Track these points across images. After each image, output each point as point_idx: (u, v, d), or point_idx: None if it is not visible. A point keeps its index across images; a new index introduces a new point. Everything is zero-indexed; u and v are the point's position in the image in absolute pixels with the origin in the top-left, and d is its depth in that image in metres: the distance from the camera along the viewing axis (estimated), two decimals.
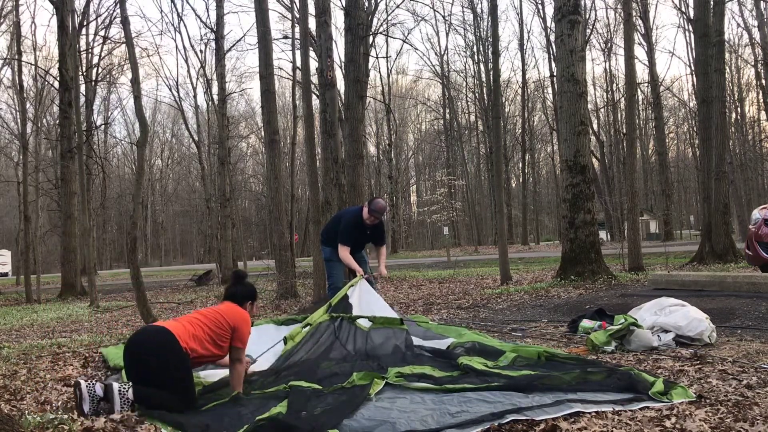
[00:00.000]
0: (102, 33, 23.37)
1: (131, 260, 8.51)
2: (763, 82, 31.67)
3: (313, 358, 4.03)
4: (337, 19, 52.56)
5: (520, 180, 46.12)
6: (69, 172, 16.40)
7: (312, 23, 12.71)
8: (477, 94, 44.45)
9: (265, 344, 4.35)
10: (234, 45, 38.78)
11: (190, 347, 3.24)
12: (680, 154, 49.99)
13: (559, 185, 16.51)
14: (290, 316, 5.53)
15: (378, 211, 5.80)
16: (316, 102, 14.20)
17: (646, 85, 35.36)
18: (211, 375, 3.84)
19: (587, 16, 32.47)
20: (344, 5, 16.06)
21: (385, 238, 6.25)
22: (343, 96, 17.11)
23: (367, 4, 23.81)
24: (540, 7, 46.97)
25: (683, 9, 29.38)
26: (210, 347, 3.35)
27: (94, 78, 25.05)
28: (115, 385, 3.06)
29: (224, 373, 3.81)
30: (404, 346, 4.18)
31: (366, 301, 4.82)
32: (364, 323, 4.40)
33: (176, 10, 67.61)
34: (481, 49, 41.75)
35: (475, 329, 5.41)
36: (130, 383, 3.14)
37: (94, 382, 3.14)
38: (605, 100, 41.24)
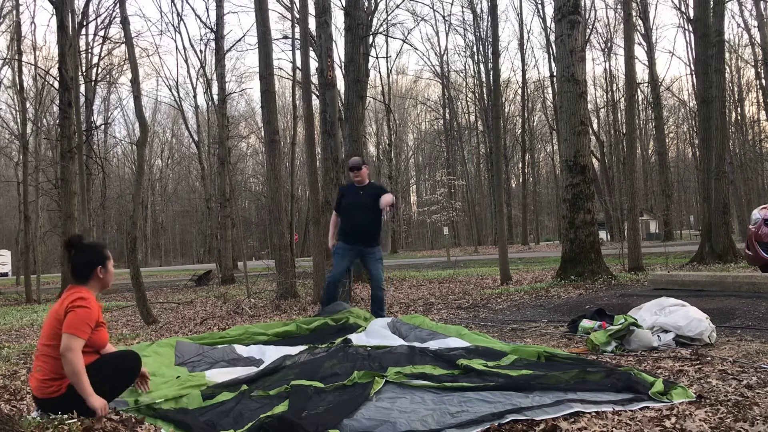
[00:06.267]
0: (102, 33, 23.39)
1: (131, 260, 8.52)
2: (763, 82, 31.69)
3: (316, 358, 4.04)
4: (337, 19, 52.59)
5: (520, 180, 46.16)
6: (69, 172, 16.39)
7: (312, 23, 12.71)
8: (477, 94, 44.51)
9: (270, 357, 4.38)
10: (234, 45, 38.88)
11: (51, 391, 2.89)
12: (680, 154, 50.04)
13: (559, 185, 16.52)
14: (287, 327, 5.49)
15: (351, 166, 5.99)
16: (316, 102, 14.21)
17: (646, 85, 35.38)
18: (216, 375, 3.84)
19: (587, 16, 32.50)
20: (344, 5, 16.08)
21: (386, 192, 6.00)
22: (343, 96, 17.13)
23: (367, 4, 23.83)
24: (540, 7, 47.17)
25: (683, 9, 29.43)
26: (52, 356, 2.90)
27: (94, 78, 25.04)
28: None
29: (230, 374, 3.81)
30: (405, 350, 4.19)
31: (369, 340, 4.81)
32: (363, 343, 4.50)
33: (176, 10, 67.60)
34: (481, 49, 41.83)
35: (475, 329, 5.41)
36: None
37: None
38: (605, 100, 41.26)
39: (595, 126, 38.91)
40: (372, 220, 5.89)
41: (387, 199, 5.76)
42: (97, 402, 2.81)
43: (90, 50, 24.43)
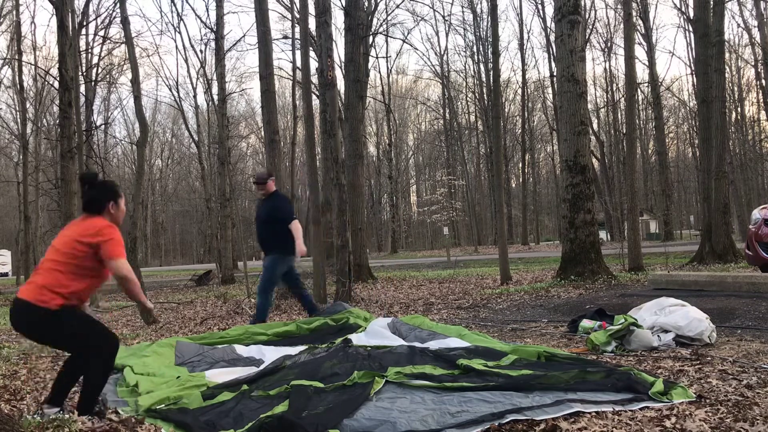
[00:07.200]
0: (102, 33, 23.32)
1: (131, 260, 8.51)
2: (763, 82, 31.67)
3: (316, 358, 4.05)
4: (337, 19, 52.63)
5: (520, 180, 46.14)
6: (69, 172, 16.33)
7: (312, 23, 12.71)
8: (477, 94, 44.48)
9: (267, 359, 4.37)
10: (234, 45, 38.93)
11: (45, 300, 2.97)
12: (680, 154, 50.02)
13: (559, 185, 16.50)
14: (287, 327, 5.50)
15: (254, 181, 6.15)
16: (316, 102, 14.21)
17: (646, 85, 35.36)
18: (216, 375, 3.84)
19: (587, 16, 32.48)
20: (344, 5, 16.07)
21: (286, 212, 6.01)
22: (343, 96, 17.12)
23: (367, 4, 23.83)
24: (540, 7, 47.18)
25: (683, 9, 29.38)
26: (73, 282, 3.02)
27: (94, 78, 24.99)
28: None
29: (230, 374, 3.81)
30: (405, 350, 4.19)
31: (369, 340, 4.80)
32: (363, 343, 4.49)
33: (176, 10, 67.74)
34: (481, 49, 41.80)
35: (475, 329, 5.41)
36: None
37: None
38: (605, 100, 41.26)
39: (595, 126, 38.90)
40: (264, 230, 6.10)
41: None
42: (149, 303, 3.41)
43: (90, 50, 24.36)
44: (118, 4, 16.34)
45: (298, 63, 19.46)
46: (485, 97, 40.77)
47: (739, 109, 37.67)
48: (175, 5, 71.75)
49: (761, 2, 26.14)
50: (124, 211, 3.34)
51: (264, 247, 6.11)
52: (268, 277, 6.04)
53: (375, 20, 27.38)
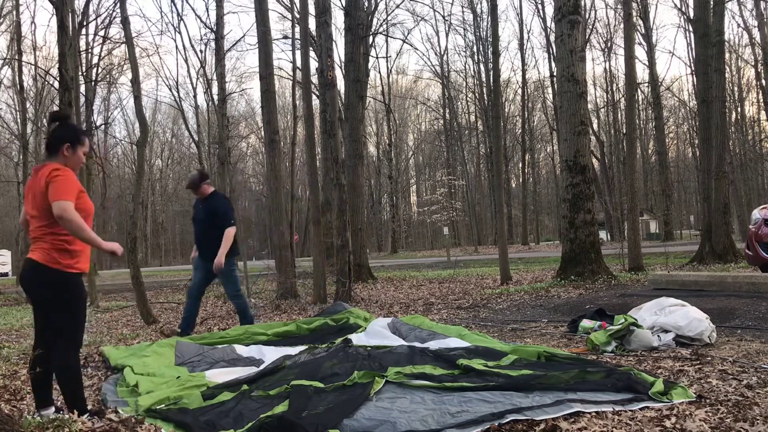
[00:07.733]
0: (102, 33, 23.30)
1: (131, 260, 8.51)
2: (763, 82, 31.66)
3: (316, 358, 4.05)
4: (337, 19, 52.64)
5: (520, 180, 46.14)
6: None
7: (312, 23, 12.72)
8: (477, 94, 44.50)
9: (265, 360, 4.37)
10: (234, 45, 38.91)
11: (55, 257, 2.93)
12: (680, 154, 50.03)
13: (559, 185, 16.51)
14: (287, 327, 5.51)
15: (187, 186, 6.02)
16: (316, 102, 14.21)
17: (646, 85, 35.37)
18: (216, 375, 3.84)
19: (587, 16, 32.51)
20: (344, 5, 16.08)
21: (223, 217, 5.75)
22: (343, 96, 17.13)
23: (367, 4, 23.84)
24: (540, 7, 47.27)
25: (683, 9, 29.38)
26: (66, 235, 2.93)
27: (94, 78, 24.98)
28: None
29: (230, 374, 3.81)
30: (405, 350, 4.20)
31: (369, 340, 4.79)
32: (363, 343, 4.49)
33: (176, 10, 67.64)
34: (481, 49, 41.83)
35: (475, 329, 5.42)
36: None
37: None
38: (605, 100, 41.28)
39: (595, 126, 38.92)
40: (201, 231, 5.91)
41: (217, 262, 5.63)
42: (112, 245, 3.04)
43: (90, 50, 24.33)
44: (118, 4, 16.32)
45: (298, 63, 19.45)
46: (485, 97, 40.79)
47: (739, 109, 37.69)
48: (175, 5, 71.77)
49: (761, 2, 26.15)
50: (80, 159, 3.11)
51: (201, 249, 5.89)
52: (232, 283, 5.97)
53: (375, 20, 27.41)
